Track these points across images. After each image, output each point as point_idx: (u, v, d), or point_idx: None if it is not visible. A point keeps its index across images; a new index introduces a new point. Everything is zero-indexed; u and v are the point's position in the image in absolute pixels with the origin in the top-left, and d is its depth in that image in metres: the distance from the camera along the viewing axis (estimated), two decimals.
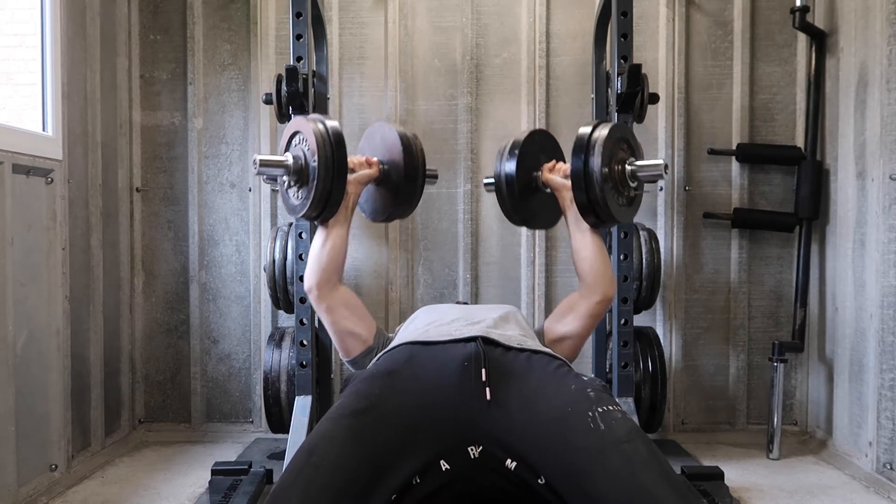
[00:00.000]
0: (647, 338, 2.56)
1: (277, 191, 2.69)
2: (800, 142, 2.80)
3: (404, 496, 1.44)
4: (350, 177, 1.91)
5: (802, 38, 2.79)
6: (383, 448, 1.43)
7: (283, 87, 2.29)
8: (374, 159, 2.01)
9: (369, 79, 2.88)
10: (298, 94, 2.25)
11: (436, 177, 2.13)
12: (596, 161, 1.82)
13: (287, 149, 1.93)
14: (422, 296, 2.87)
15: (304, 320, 2.34)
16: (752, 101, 2.83)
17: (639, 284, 2.51)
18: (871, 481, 2.26)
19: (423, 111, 2.89)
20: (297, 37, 2.32)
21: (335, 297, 1.89)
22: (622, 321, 2.41)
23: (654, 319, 2.83)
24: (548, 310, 2.84)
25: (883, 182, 2.26)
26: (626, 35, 2.34)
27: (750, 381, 2.85)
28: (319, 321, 2.06)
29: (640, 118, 2.48)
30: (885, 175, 2.25)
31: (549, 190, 2.02)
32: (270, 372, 2.46)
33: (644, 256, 2.52)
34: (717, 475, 2.17)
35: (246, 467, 2.23)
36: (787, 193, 2.82)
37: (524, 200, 2.01)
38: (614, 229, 2.41)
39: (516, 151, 1.97)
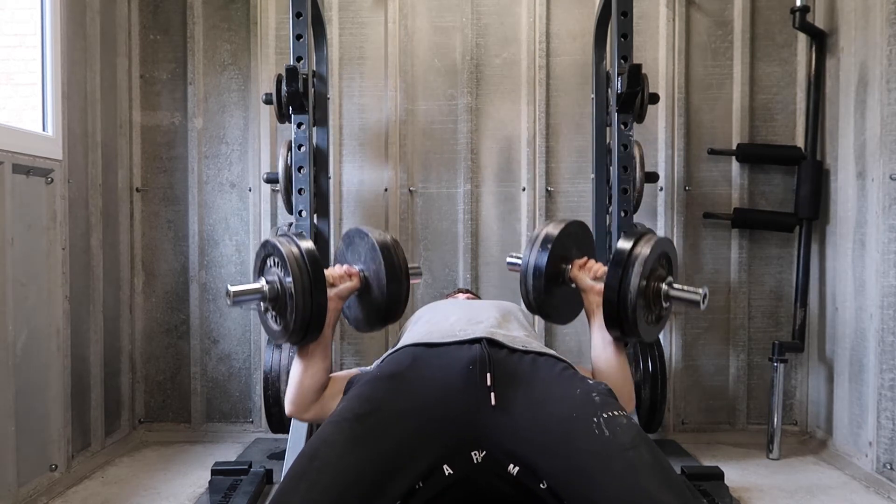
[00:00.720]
0: None
1: (278, 191, 2.69)
2: (800, 142, 2.80)
3: (407, 501, 1.43)
4: (330, 292, 1.76)
5: (802, 38, 2.79)
6: (386, 453, 1.42)
7: (283, 87, 2.28)
8: (355, 269, 1.86)
9: (369, 79, 2.88)
10: (298, 94, 2.25)
11: (420, 274, 1.98)
12: (634, 281, 1.68)
13: (261, 272, 1.78)
14: (422, 296, 2.87)
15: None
16: (752, 101, 2.83)
17: None
18: (871, 481, 2.26)
19: (423, 111, 2.89)
20: (297, 37, 2.32)
21: (325, 402, 1.73)
22: None
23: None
24: None
25: (883, 182, 2.26)
26: (626, 35, 2.34)
27: (750, 381, 2.85)
28: None
29: (640, 118, 2.48)
30: (885, 175, 2.25)
31: (574, 286, 1.89)
32: (270, 372, 2.45)
33: None
34: (717, 475, 2.17)
35: (246, 467, 2.23)
36: (787, 193, 2.82)
37: (548, 293, 1.87)
38: (614, 230, 2.40)
39: (549, 246, 1.83)
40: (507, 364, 1.55)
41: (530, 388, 1.51)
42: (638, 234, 1.75)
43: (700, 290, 1.70)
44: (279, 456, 2.45)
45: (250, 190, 2.87)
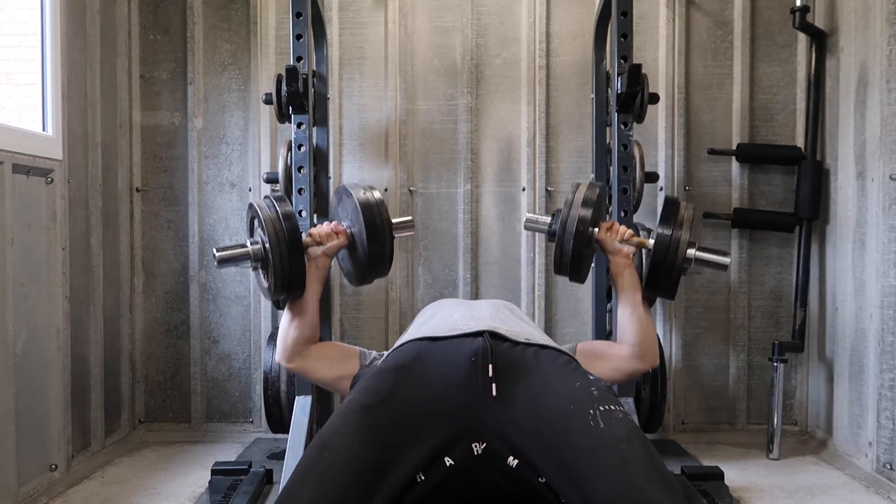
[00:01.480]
0: None
1: (278, 191, 2.69)
2: (800, 142, 2.80)
3: (408, 492, 1.44)
4: (318, 250, 1.90)
5: (802, 38, 2.79)
6: (392, 442, 1.44)
7: (283, 87, 2.28)
8: (342, 227, 1.94)
9: (369, 79, 2.88)
10: (298, 94, 2.25)
11: (412, 226, 2.01)
12: (682, 248, 1.86)
13: (251, 233, 1.93)
14: (422, 296, 2.87)
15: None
16: (752, 101, 2.83)
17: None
18: (871, 481, 2.26)
19: (423, 111, 2.89)
20: (297, 37, 2.32)
21: (310, 360, 1.88)
22: None
23: (655, 319, 2.81)
24: (548, 310, 2.85)
25: (883, 182, 2.26)
26: (626, 35, 2.34)
27: (750, 381, 2.85)
28: None
29: (640, 118, 2.48)
30: (885, 175, 2.25)
31: (597, 247, 1.96)
32: (270, 372, 2.45)
33: (644, 257, 2.51)
34: (717, 475, 2.17)
35: (246, 467, 2.23)
36: (787, 193, 2.82)
37: (577, 254, 1.93)
38: None
39: (590, 209, 1.87)
40: (510, 356, 1.57)
41: (531, 381, 1.53)
42: (676, 200, 1.89)
43: (727, 259, 1.92)
44: (279, 456, 2.45)
45: (250, 190, 2.87)
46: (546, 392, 1.50)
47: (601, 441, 1.39)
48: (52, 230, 2.23)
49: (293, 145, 2.38)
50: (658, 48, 2.84)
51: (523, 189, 2.87)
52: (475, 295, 2.86)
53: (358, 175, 2.88)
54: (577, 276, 1.99)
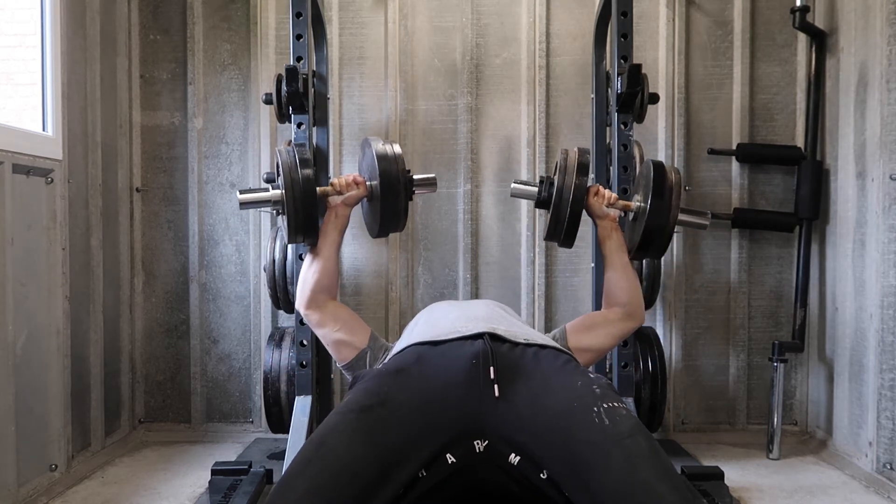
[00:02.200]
0: (647, 338, 2.56)
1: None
2: (800, 142, 2.80)
3: (410, 489, 1.45)
4: (338, 199, 1.99)
5: (802, 38, 2.79)
6: (392, 442, 1.45)
7: (283, 87, 2.28)
8: (362, 178, 2.01)
9: (369, 79, 2.88)
10: (298, 94, 2.24)
11: (434, 184, 2.06)
12: (674, 212, 1.96)
13: (277, 176, 2.01)
14: (422, 296, 2.87)
15: (304, 321, 2.34)
16: (752, 101, 2.83)
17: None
18: (871, 481, 2.26)
19: (423, 111, 2.89)
20: (297, 37, 2.32)
21: (325, 313, 1.96)
22: None
23: (655, 319, 2.83)
24: (548, 310, 2.85)
25: (883, 182, 2.26)
26: (626, 35, 2.34)
27: (750, 381, 2.85)
28: None
29: (640, 118, 2.48)
30: (885, 175, 2.25)
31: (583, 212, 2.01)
32: (270, 372, 2.45)
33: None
34: (717, 475, 2.17)
35: (246, 467, 2.23)
36: (787, 193, 2.82)
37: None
38: None
39: (586, 173, 1.94)
40: (510, 357, 1.58)
41: (532, 380, 1.54)
42: (662, 165, 1.98)
43: (707, 215, 2.08)
44: (279, 456, 2.45)
45: None
46: (548, 391, 1.51)
47: (606, 437, 1.40)
48: (52, 230, 2.23)
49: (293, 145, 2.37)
50: (658, 48, 2.84)
51: None
52: (475, 295, 2.86)
53: None
54: (569, 242, 2.05)
